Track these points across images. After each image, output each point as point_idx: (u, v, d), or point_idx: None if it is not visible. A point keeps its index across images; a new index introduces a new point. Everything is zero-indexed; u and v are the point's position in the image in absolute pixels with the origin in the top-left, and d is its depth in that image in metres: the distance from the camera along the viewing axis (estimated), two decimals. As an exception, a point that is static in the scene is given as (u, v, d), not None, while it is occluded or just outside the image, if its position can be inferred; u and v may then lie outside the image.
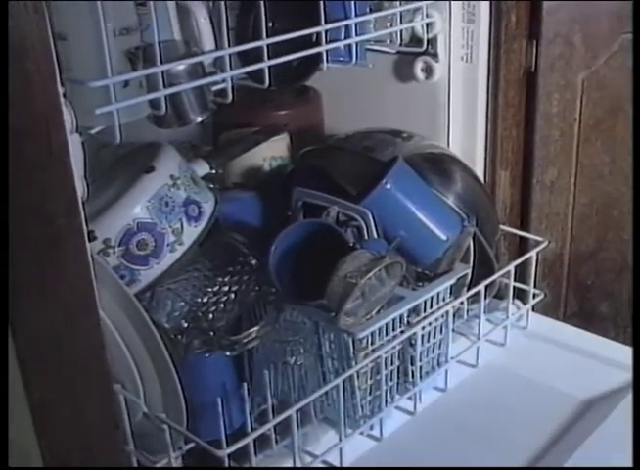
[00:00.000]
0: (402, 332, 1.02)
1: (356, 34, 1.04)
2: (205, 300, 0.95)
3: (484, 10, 1.19)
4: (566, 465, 0.99)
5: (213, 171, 1.10)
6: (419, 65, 1.24)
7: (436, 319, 1.07)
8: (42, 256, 0.70)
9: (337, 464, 0.99)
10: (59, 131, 0.69)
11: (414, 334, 1.03)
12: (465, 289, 1.12)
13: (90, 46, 0.80)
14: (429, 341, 1.08)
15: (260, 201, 1.10)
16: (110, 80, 0.80)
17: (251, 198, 1.10)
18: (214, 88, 0.95)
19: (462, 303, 1.14)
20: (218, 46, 0.94)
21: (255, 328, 0.97)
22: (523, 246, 1.32)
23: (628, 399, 1.07)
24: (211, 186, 1.04)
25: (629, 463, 0.87)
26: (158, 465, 0.92)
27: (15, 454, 0.74)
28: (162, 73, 0.85)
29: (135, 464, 0.93)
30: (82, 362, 0.76)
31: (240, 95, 0.96)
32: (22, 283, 0.69)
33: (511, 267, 1.17)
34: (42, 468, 0.75)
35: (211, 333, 0.95)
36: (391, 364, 1.04)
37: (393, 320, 1.00)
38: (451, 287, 1.08)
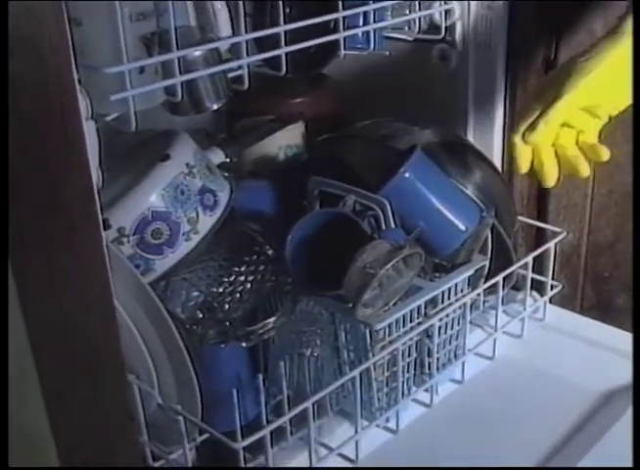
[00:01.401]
0: (420, 323, 1.01)
1: (374, 21, 1.03)
2: (220, 290, 0.95)
3: (504, -4, 1.17)
4: (584, 459, 0.98)
5: (228, 160, 1.09)
6: (436, 52, 1.22)
7: (454, 311, 1.06)
8: (57, 244, 0.69)
9: (352, 457, 0.99)
10: (74, 118, 0.67)
11: (431, 325, 1.02)
12: (482, 280, 1.11)
13: (106, 31, 0.78)
14: (446, 332, 1.07)
15: (276, 190, 1.09)
16: (125, 66, 0.78)
17: (266, 187, 1.09)
18: (230, 75, 0.94)
19: (479, 294, 1.13)
20: (235, 33, 0.92)
21: (271, 319, 0.96)
22: (539, 237, 1.31)
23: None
24: (226, 175, 1.03)
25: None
26: (172, 456, 0.91)
27: (30, 445, 0.74)
28: (178, 60, 0.83)
29: (149, 455, 0.92)
30: (96, 352, 0.75)
31: (255, 83, 0.94)
32: (37, 272, 0.68)
33: (529, 259, 1.15)
34: (45, 468, 0.74)
35: (227, 323, 0.94)
36: (408, 356, 1.03)
37: (411, 311, 0.99)
38: (469, 278, 1.07)
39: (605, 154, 0.96)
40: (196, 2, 0.91)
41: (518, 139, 0.94)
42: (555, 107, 0.92)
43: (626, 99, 0.94)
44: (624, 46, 0.91)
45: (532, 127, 0.93)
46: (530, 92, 0.97)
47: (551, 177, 0.97)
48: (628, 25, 0.91)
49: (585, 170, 0.97)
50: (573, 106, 0.93)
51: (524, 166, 0.96)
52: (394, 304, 0.97)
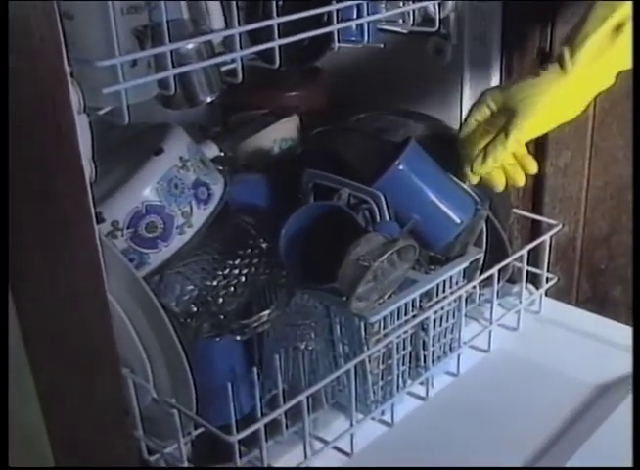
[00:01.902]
0: (414, 316, 1.01)
1: (368, 14, 1.02)
2: (214, 283, 0.94)
3: (498, -12, 1.17)
4: (580, 451, 0.98)
5: (223, 153, 1.09)
6: (431, 45, 1.22)
7: (449, 304, 1.06)
8: (49, 238, 0.69)
9: (348, 450, 0.98)
10: (66, 111, 0.67)
11: (426, 318, 1.02)
12: (477, 273, 1.11)
13: (97, 24, 0.78)
14: (441, 325, 1.07)
15: (270, 183, 1.09)
16: (117, 59, 0.78)
17: (260, 180, 1.09)
18: (224, 68, 0.94)
19: (474, 287, 1.13)
20: (228, 26, 0.92)
21: (266, 312, 0.96)
22: (535, 230, 1.31)
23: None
24: (220, 168, 1.03)
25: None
26: (167, 450, 0.91)
27: (24, 440, 0.73)
28: (171, 53, 0.83)
29: (144, 449, 0.92)
30: (90, 346, 0.75)
31: (249, 76, 0.94)
32: (30, 266, 0.68)
33: (524, 251, 1.15)
34: (44, 468, 0.74)
35: (221, 317, 0.94)
36: (403, 349, 1.03)
37: (406, 304, 0.99)
38: (464, 271, 1.06)
39: (533, 166, 1.03)
40: (188, -5, 0.91)
41: (478, 167, 1.00)
42: (503, 145, 0.97)
43: (568, 118, 0.99)
44: (568, 81, 0.95)
45: (483, 160, 0.99)
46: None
47: (501, 183, 1.03)
48: (577, 58, 0.94)
49: (521, 179, 1.03)
50: (519, 143, 0.99)
51: (475, 180, 1.02)
52: (389, 296, 0.97)
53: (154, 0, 0.82)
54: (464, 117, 1.04)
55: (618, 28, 0.91)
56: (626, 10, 0.91)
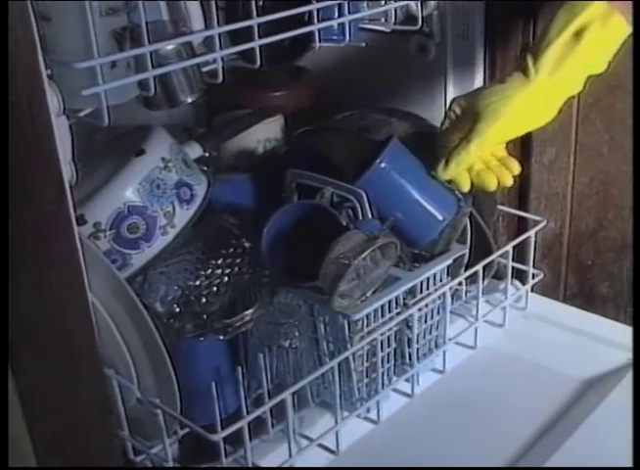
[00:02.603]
0: (398, 313, 1.01)
1: (349, 13, 1.02)
2: (197, 283, 0.94)
3: (480, -14, 1.17)
4: (566, 445, 0.99)
5: (206, 154, 1.09)
6: (414, 43, 1.22)
7: (433, 300, 1.06)
8: (29, 240, 0.69)
9: (333, 448, 0.98)
10: (42, 113, 0.67)
11: (410, 315, 1.02)
12: (462, 270, 1.11)
13: (75, 27, 0.78)
14: (426, 322, 1.07)
15: (254, 183, 1.09)
16: (96, 61, 0.78)
17: (244, 180, 1.09)
18: (205, 69, 0.94)
19: (460, 284, 1.13)
20: (208, 26, 0.92)
21: (249, 311, 0.96)
22: (521, 226, 1.31)
23: (628, 379, 1.06)
24: (204, 168, 1.03)
25: (629, 442, 0.85)
26: (153, 450, 0.91)
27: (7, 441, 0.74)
28: (151, 54, 0.83)
29: (130, 449, 0.92)
30: (72, 347, 0.75)
31: (234, 76, 0.94)
32: (10, 268, 0.68)
33: (509, 247, 1.15)
34: (42, 468, 0.74)
35: (204, 317, 0.94)
36: (388, 346, 1.03)
37: (389, 302, 0.99)
38: (448, 268, 1.07)
39: (515, 167, 1.02)
40: (168, -3, 0.91)
41: (441, 172, 1.00)
42: (466, 150, 0.97)
43: (536, 125, 0.99)
44: (532, 88, 0.95)
45: (446, 165, 0.99)
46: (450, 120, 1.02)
47: (492, 184, 1.01)
48: (539, 65, 0.94)
49: (509, 179, 1.02)
50: (483, 148, 0.98)
51: (465, 186, 1.01)
52: (372, 294, 0.97)
53: (132, 1, 0.82)
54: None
55: (578, 34, 0.92)
56: (586, 17, 0.92)
